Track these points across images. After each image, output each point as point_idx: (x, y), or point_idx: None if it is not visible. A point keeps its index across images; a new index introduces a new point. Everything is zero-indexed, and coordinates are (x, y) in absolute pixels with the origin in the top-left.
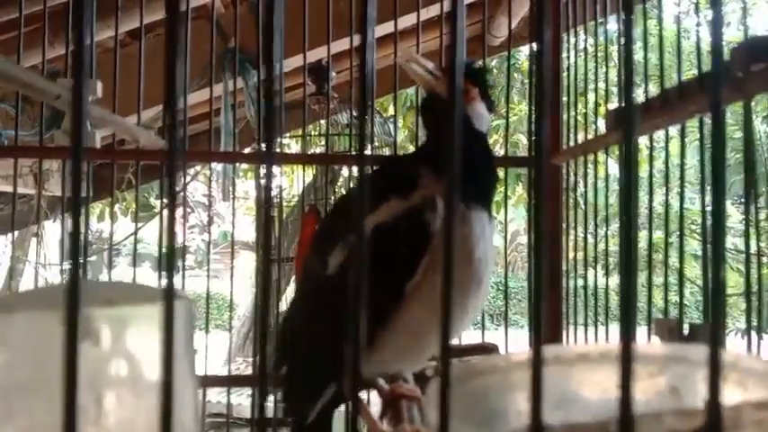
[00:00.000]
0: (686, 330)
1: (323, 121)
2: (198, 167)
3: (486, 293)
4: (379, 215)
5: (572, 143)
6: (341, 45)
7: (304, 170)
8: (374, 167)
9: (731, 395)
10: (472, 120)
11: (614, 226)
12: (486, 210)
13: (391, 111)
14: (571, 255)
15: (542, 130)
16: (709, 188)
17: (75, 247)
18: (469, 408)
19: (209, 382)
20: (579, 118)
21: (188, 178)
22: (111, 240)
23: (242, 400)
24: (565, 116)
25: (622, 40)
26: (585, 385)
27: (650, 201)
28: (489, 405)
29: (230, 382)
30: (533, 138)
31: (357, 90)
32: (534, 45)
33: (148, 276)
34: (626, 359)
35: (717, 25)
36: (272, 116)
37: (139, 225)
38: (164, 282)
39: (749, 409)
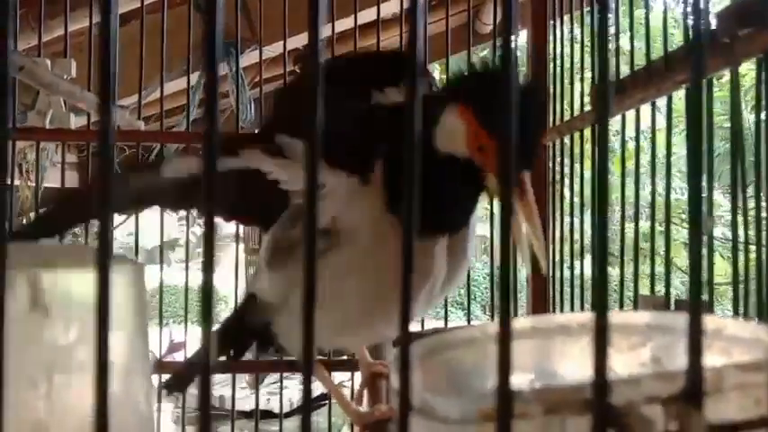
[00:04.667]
0: (672, 307)
1: None
2: None
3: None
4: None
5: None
6: (325, 31)
7: None
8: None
9: (714, 361)
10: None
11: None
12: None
13: None
14: (558, 243)
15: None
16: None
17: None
18: (442, 380)
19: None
20: (566, 99)
21: None
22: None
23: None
24: (551, 96)
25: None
26: (565, 357)
27: (636, 189)
28: (463, 378)
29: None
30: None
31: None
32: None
33: None
34: (601, 328)
35: None
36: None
37: (126, 216)
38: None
39: (731, 371)
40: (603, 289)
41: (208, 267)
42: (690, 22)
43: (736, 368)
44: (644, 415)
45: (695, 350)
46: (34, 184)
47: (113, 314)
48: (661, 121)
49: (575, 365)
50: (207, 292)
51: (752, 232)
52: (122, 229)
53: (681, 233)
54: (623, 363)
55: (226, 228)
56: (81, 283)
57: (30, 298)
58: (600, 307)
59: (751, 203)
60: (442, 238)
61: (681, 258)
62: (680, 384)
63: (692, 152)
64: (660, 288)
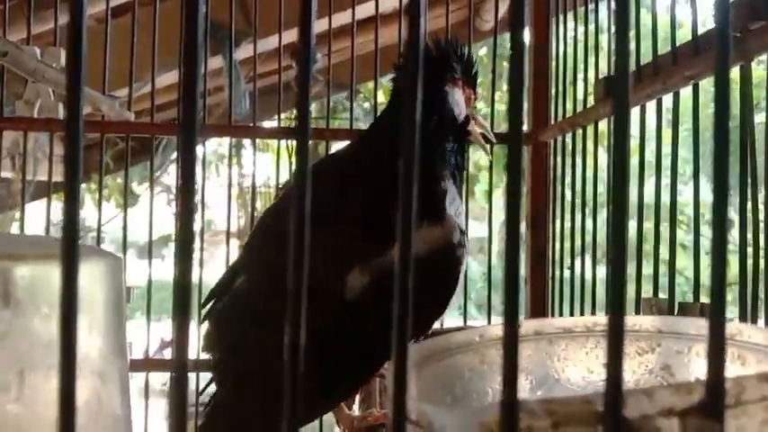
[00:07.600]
0: (677, 310)
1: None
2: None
3: None
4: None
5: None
6: (323, 25)
7: (278, 154)
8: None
9: (729, 369)
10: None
11: (601, 216)
12: None
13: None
14: (558, 242)
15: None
16: (704, 179)
17: None
18: (440, 388)
19: None
20: (569, 97)
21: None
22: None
23: None
24: (553, 90)
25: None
26: (569, 363)
27: (640, 190)
28: (462, 385)
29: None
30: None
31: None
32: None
33: (134, 264)
34: (616, 331)
35: None
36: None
37: (119, 211)
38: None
39: (754, 382)
40: (620, 294)
41: (184, 259)
42: (701, 17)
43: (759, 379)
44: (659, 429)
45: (716, 360)
46: (26, 177)
47: (88, 310)
48: (660, 120)
49: (577, 370)
50: (184, 286)
51: (758, 235)
52: (114, 223)
53: (679, 234)
54: (631, 369)
55: (218, 224)
56: (57, 276)
57: (1, 292)
58: (616, 312)
59: (759, 205)
60: None
61: (679, 260)
62: (698, 396)
63: (718, 153)
64: (660, 288)
